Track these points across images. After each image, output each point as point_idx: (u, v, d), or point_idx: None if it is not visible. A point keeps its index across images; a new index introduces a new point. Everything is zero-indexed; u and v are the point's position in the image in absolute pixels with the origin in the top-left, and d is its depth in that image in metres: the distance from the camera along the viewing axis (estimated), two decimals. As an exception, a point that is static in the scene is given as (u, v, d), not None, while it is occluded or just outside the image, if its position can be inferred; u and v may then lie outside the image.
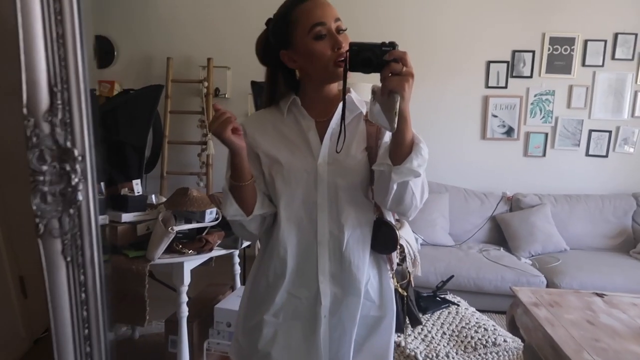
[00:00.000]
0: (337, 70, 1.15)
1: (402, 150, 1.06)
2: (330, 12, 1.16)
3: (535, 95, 4.02)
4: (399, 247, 1.25)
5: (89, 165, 0.54)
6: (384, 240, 1.23)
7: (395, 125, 0.99)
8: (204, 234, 2.09)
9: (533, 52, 3.95)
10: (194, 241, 2.05)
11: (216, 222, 2.15)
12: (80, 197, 0.54)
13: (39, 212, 0.54)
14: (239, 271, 2.72)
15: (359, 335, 1.24)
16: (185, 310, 2.09)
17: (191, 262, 2.08)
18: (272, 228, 1.25)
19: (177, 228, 1.93)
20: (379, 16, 3.94)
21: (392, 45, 1.00)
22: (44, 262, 0.57)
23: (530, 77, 3.99)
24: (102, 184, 2.14)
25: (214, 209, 2.13)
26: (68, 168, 0.53)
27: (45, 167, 0.53)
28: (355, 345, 1.24)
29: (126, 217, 2.04)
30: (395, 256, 1.27)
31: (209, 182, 3.94)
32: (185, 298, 2.09)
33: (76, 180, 0.54)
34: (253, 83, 3.53)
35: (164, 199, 2.43)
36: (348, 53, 1.03)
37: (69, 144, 0.53)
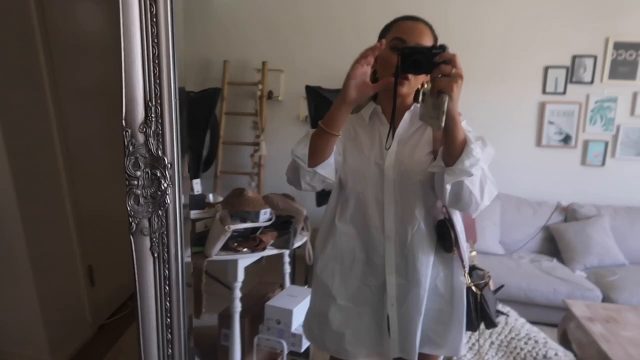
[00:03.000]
0: (392, 80, 1.19)
1: (453, 151, 1.10)
2: (418, 35, 1.24)
3: (595, 102, 3.87)
4: (466, 247, 1.35)
5: (177, 172, 0.60)
6: (444, 239, 1.31)
7: (443, 125, 1.04)
8: (258, 233, 2.17)
9: (595, 57, 3.81)
10: (249, 240, 2.13)
11: (270, 222, 2.22)
12: (168, 200, 0.61)
13: (132, 212, 0.61)
14: (289, 270, 2.78)
15: (428, 327, 1.34)
16: (238, 306, 2.18)
17: (245, 260, 2.16)
18: (341, 220, 1.37)
19: (233, 227, 2.02)
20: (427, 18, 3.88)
21: (442, 48, 1.06)
22: (134, 257, 0.63)
23: (591, 83, 3.85)
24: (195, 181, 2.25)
25: (268, 210, 2.20)
26: (159, 174, 0.59)
27: (139, 173, 0.59)
28: (425, 337, 1.34)
29: (186, 214, 2.13)
30: (466, 256, 1.35)
31: (261, 183, 4.04)
32: (238, 294, 2.17)
33: (165, 185, 0.60)
34: (308, 87, 3.58)
35: (220, 198, 2.53)
36: (400, 56, 1.09)
37: (160, 152, 0.59)
